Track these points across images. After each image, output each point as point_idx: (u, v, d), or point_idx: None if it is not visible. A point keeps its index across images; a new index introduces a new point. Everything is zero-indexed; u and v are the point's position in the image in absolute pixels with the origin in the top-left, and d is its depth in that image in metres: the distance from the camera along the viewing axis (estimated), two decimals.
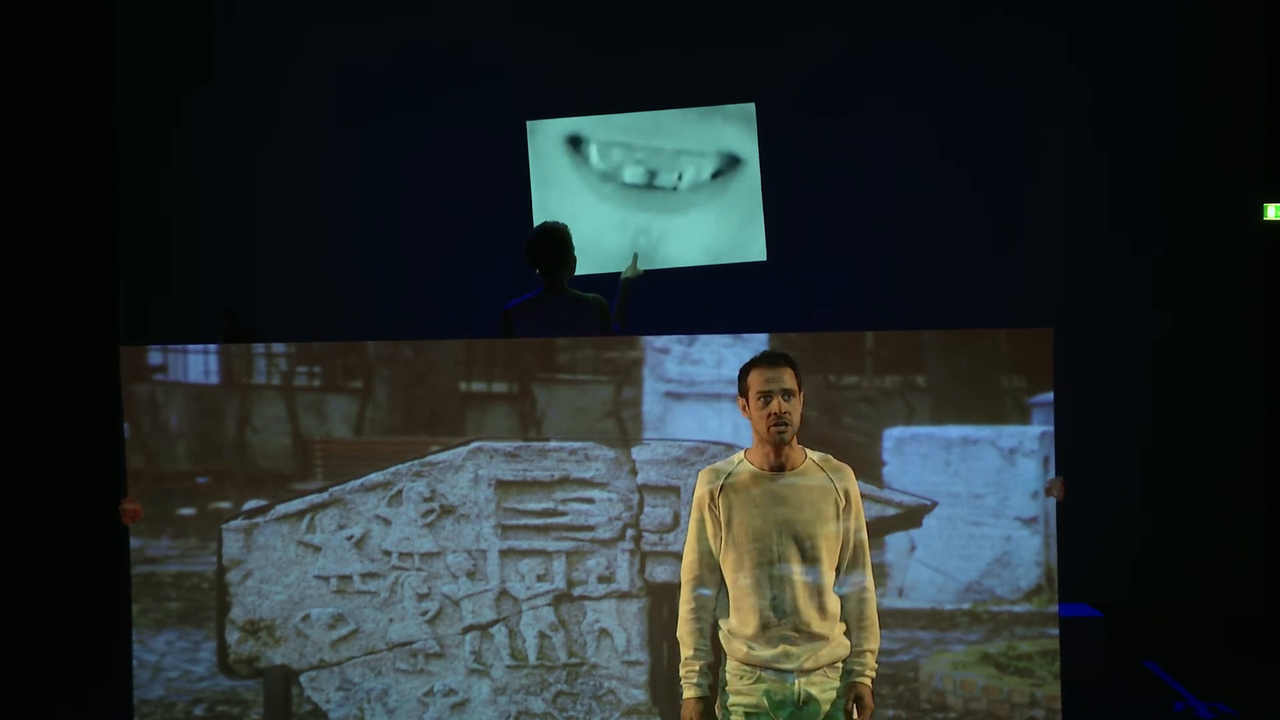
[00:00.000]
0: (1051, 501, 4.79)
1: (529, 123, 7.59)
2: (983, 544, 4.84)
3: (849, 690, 3.79)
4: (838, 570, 3.81)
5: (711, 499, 3.80)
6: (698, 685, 3.78)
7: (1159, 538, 7.90)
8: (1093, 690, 6.36)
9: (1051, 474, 4.82)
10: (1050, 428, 4.83)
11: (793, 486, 3.78)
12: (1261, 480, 7.90)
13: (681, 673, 3.82)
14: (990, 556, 4.84)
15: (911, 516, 4.83)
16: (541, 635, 4.85)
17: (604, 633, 4.84)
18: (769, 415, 3.74)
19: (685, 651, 3.81)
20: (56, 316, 7.67)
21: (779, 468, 3.79)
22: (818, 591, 3.76)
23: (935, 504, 4.84)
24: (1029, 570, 4.84)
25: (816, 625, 3.75)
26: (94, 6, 7.88)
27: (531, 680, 4.86)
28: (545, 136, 7.64)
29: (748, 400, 3.80)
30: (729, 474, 3.82)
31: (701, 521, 3.82)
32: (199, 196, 8.03)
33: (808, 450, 3.86)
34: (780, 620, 3.74)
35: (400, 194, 8.01)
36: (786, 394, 3.76)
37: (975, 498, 4.84)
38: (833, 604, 3.79)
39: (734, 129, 7.61)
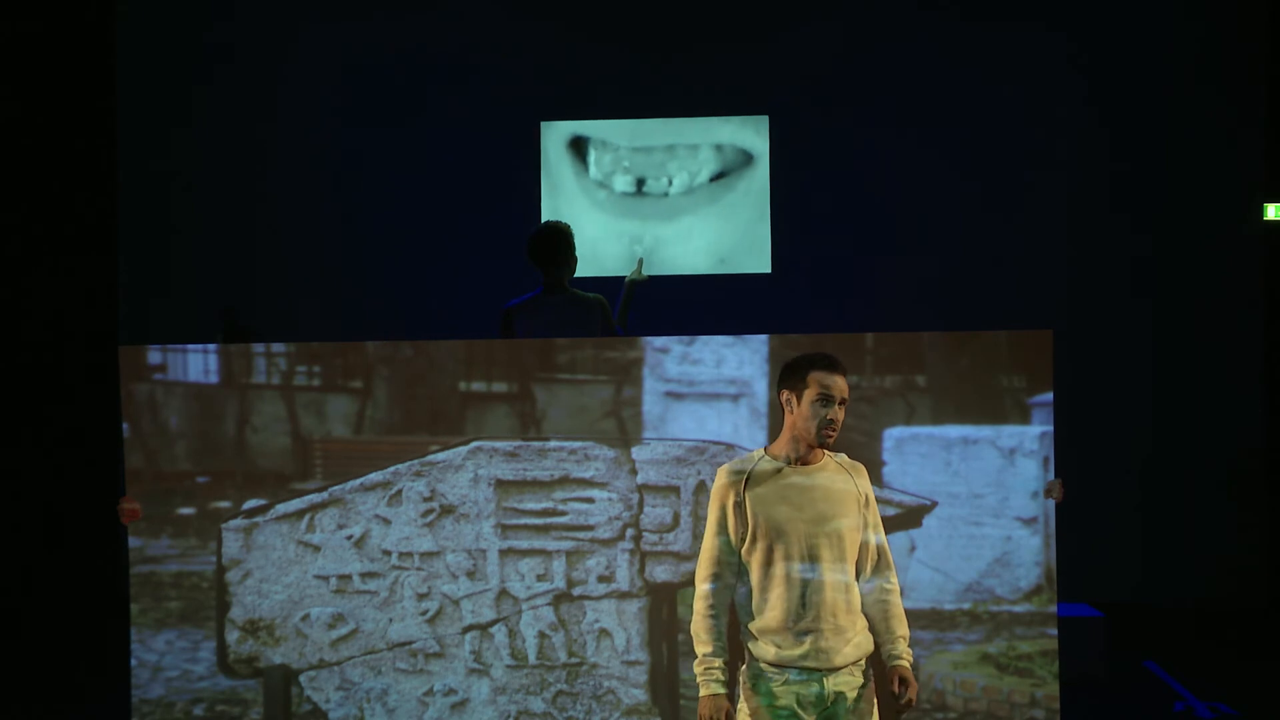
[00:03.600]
0: (1051, 501, 4.78)
1: (543, 123, 7.60)
2: (983, 544, 4.84)
3: (891, 673, 3.78)
4: (860, 570, 3.81)
5: (736, 494, 3.79)
6: (718, 682, 3.75)
7: (1159, 538, 7.91)
8: (1093, 690, 6.36)
9: (1051, 474, 4.81)
10: (1050, 428, 4.83)
11: (816, 482, 3.78)
12: (1261, 480, 7.90)
13: (699, 669, 3.77)
14: (990, 556, 4.84)
15: (911, 516, 4.83)
16: (541, 635, 4.84)
17: (604, 633, 4.84)
18: (825, 420, 3.75)
19: (703, 648, 3.78)
20: (56, 316, 7.67)
21: (803, 464, 3.79)
22: (845, 586, 3.76)
23: (935, 504, 4.83)
24: (1029, 570, 4.83)
25: (843, 619, 3.75)
26: (94, 6, 7.88)
27: (531, 680, 4.85)
28: (553, 140, 7.65)
29: (797, 396, 3.79)
30: (752, 469, 3.81)
31: (722, 517, 3.81)
32: (199, 196, 8.04)
33: (826, 451, 3.86)
34: (808, 615, 3.72)
35: (400, 194, 8.02)
36: (843, 402, 3.79)
37: (975, 498, 4.84)
38: (856, 599, 3.79)
39: (734, 126, 7.61)
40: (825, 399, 3.76)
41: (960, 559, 4.84)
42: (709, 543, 3.83)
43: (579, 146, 7.68)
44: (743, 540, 3.78)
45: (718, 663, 3.76)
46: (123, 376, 4.91)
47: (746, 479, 3.80)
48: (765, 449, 3.86)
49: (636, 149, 7.66)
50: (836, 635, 3.74)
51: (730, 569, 3.80)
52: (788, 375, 3.84)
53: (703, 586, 3.81)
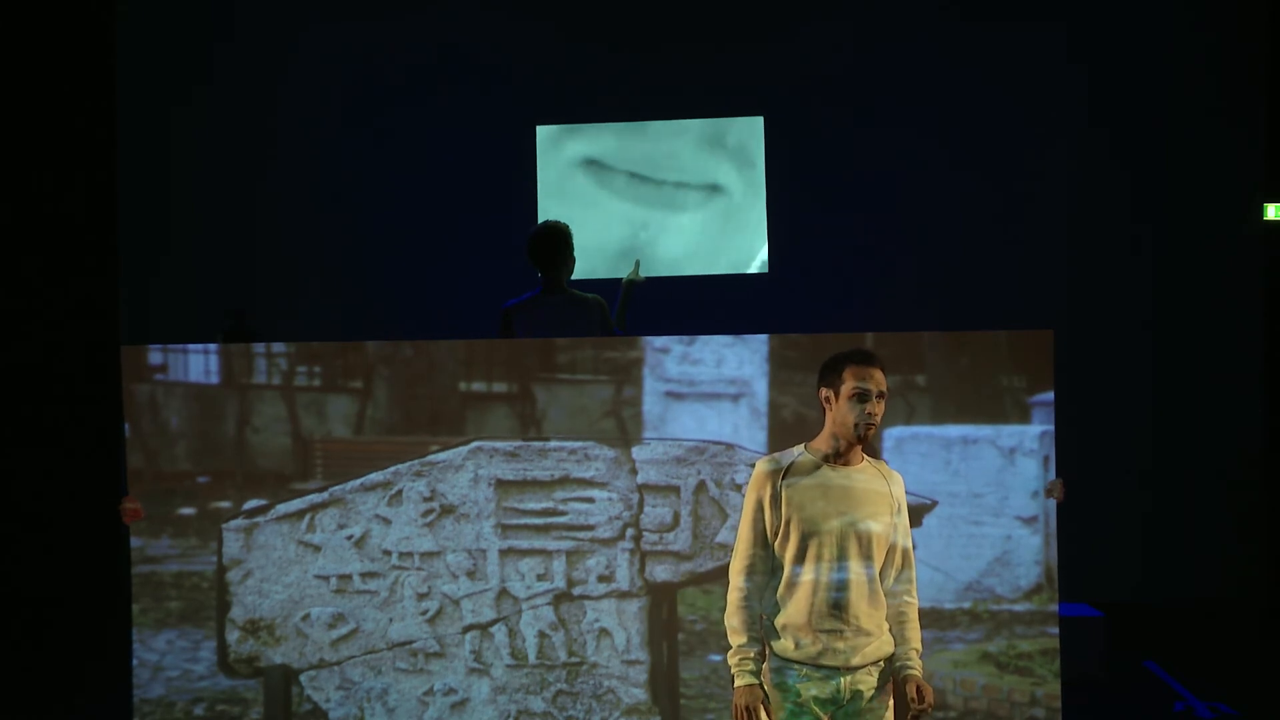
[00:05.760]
0: (1051, 500, 4.79)
1: (539, 128, 7.59)
2: (983, 543, 4.84)
3: (906, 683, 3.77)
4: (885, 575, 3.80)
5: (773, 487, 3.78)
6: (752, 673, 3.74)
7: (1159, 538, 7.90)
8: (1093, 690, 6.37)
9: (1052, 474, 4.82)
10: (1050, 427, 4.83)
11: (855, 482, 3.78)
12: (1262, 480, 7.89)
13: (733, 660, 3.76)
14: (990, 555, 4.84)
15: (912, 516, 4.83)
16: (541, 634, 4.85)
17: (604, 632, 4.84)
18: (863, 414, 3.75)
19: (737, 639, 3.77)
20: (56, 316, 7.67)
21: (842, 462, 3.80)
22: (871, 587, 3.76)
23: (935, 503, 4.84)
24: (1029, 569, 4.84)
25: (866, 620, 3.74)
26: (94, 6, 7.89)
27: (531, 679, 4.86)
28: (550, 146, 7.65)
29: (835, 393, 3.78)
30: (790, 464, 3.80)
31: (759, 509, 3.79)
32: (199, 196, 8.04)
33: (865, 455, 3.86)
34: (834, 613, 3.72)
35: (400, 194, 8.02)
36: (880, 395, 3.78)
37: (975, 497, 4.84)
38: (881, 600, 3.79)
39: (732, 163, 7.62)
40: (862, 394, 3.75)
41: (960, 558, 4.84)
42: (744, 533, 3.82)
43: (588, 163, 7.68)
44: (776, 533, 3.77)
45: (752, 653, 3.75)
46: (124, 376, 4.91)
47: (784, 472, 3.79)
48: (806, 445, 3.85)
49: (647, 153, 7.66)
50: (859, 635, 3.74)
51: (764, 560, 3.79)
52: (825, 373, 3.83)
53: (737, 578, 3.80)
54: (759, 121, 7.62)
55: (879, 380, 3.78)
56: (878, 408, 3.77)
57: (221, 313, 6.33)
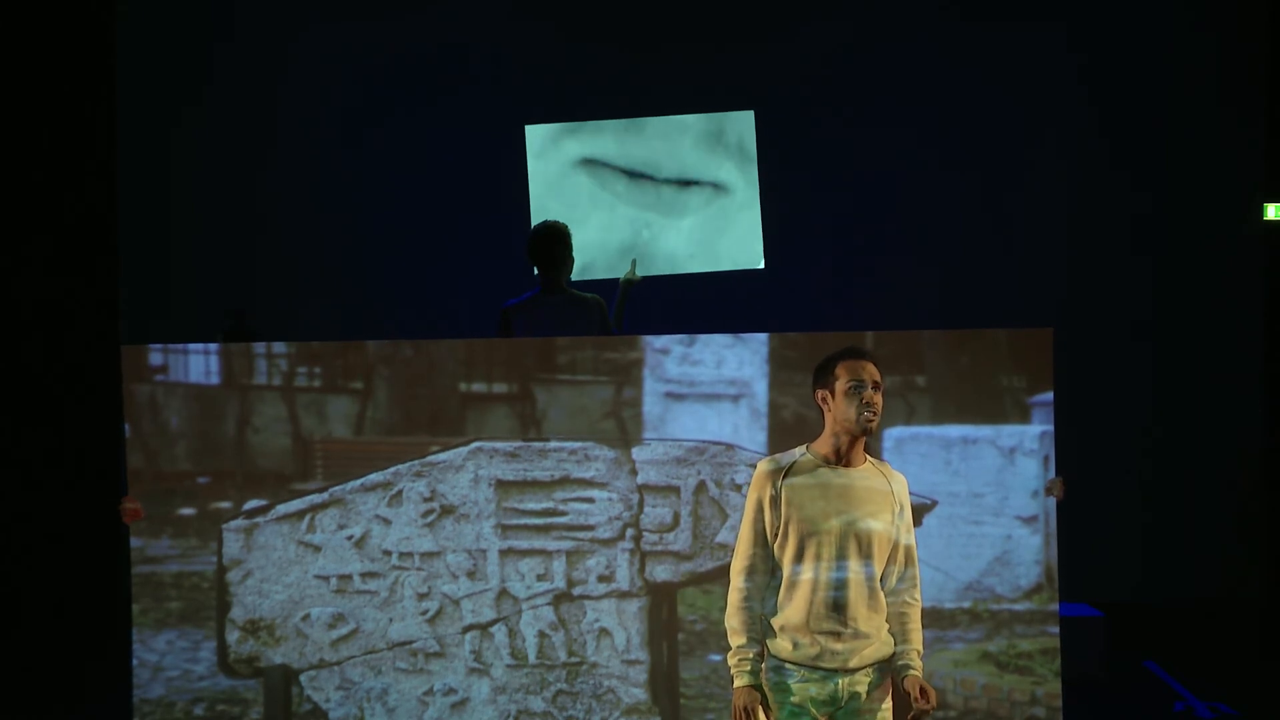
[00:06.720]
0: (1051, 500, 4.79)
1: (527, 128, 7.59)
2: (983, 543, 4.84)
3: (907, 683, 3.77)
4: (886, 575, 3.80)
5: (773, 487, 3.78)
6: (751, 674, 3.75)
7: (1159, 537, 7.90)
8: (1093, 690, 6.37)
9: (1051, 473, 4.82)
10: (1050, 427, 4.83)
11: (855, 482, 3.77)
12: (1262, 480, 7.89)
13: (733, 660, 3.77)
14: (990, 555, 4.84)
15: (912, 516, 4.83)
16: (541, 634, 4.85)
17: (604, 632, 4.84)
18: (862, 405, 3.74)
19: (737, 640, 3.77)
20: (57, 316, 7.67)
21: (844, 464, 3.79)
22: (870, 589, 3.75)
23: (935, 503, 4.84)
24: (1029, 569, 4.84)
25: (864, 623, 3.74)
26: (94, 6, 7.88)
27: (531, 679, 4.86)
28: (544, 145, 7.64)
29: (831, 391, 3.78)
30: (791, 464, 3.80)
31: (759, 509, 3.79)
32: (199, 196, 8.04)
33: (867, 455, 3.86)
34: (832, 614, 3.72)
35: (401, 194, 8.01)
36: (876, 386, 3.78)
37: (975, 497, 4.84)
38: (881, 602, 3.78)
39: (732, 161, 7.61)
40: (858, 385, 3.75)
41: (960, 558, 4.85)
42: (744, 534, 3.82)
43: (587, 163, 7.67)
44: (776, 534, 3.77)
45: (751, 654, 3.75)
46: (124, 377, 4.91)
47: (785, 472, 3.78)
48: (808, 446, 3.84)
49: (642, 151, 7.65)
50: (857, 638, 3.74)
51: (764, 560, 3.79)
52: (818, 375, 3.84)
53: (737, 578, 3.80)
54: (749, 116, 7.60)
55: (872, 372, 3.78)
56: (875, 398, 3.77)
57: (221, 313, 6.33)
